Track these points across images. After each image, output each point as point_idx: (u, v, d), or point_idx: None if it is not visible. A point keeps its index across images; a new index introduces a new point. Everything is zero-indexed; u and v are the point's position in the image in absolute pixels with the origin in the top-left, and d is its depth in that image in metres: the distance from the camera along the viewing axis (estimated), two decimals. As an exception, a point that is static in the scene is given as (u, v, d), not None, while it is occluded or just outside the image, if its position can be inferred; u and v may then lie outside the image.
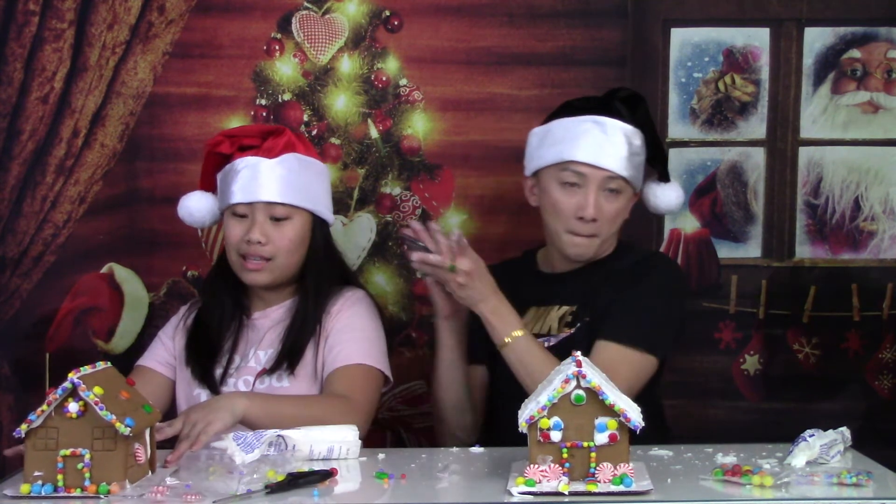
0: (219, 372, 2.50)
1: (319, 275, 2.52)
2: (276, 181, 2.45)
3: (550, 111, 2.57)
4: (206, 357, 2.51)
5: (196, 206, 2.56)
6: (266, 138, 2.49)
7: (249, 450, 2.17)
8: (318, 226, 2.53)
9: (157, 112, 2.94)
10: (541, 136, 2.55)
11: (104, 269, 2.96)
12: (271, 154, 2.46)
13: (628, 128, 2.48)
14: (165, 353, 2.59)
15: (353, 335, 2.47)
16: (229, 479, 1.99)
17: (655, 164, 2.56)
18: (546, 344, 2.47)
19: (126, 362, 2.92)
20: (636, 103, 2.52)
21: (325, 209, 2.55)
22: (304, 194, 2.49)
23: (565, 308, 2.53)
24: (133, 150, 2.95)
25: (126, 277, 2.96)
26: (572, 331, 2.50)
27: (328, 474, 1.99)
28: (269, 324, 2.54)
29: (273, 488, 1.90)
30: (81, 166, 2.94)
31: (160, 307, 2.95)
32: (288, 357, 2.46)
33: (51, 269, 2.95)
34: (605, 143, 2.45)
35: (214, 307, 2.56)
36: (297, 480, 1.93)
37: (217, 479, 2.01)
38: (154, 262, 2.96)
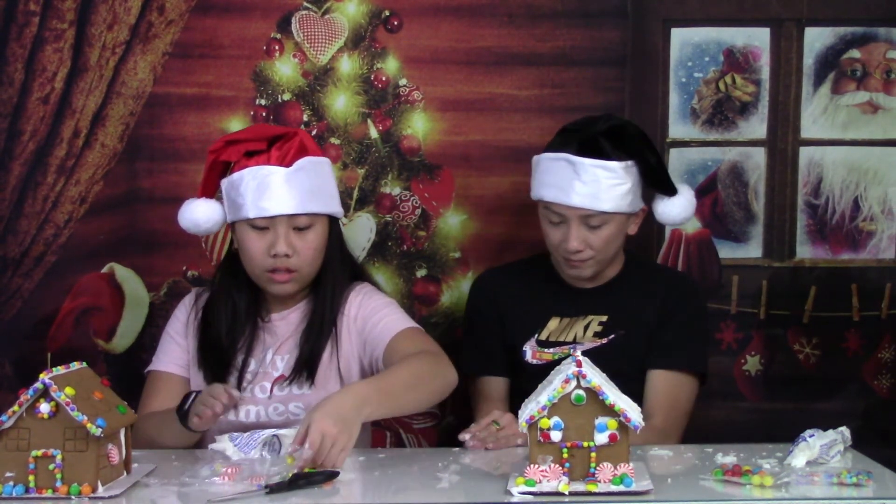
0: (234, 376, 2.44)
1: (335, 277, 2.48)
2: (295, 192, 2.37)
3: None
4: (219, 361, 2.45)
5: (204, 217, 2.46)
6: (273, 142, 2.42)
7: (247, 450, 2.18)
8: (334, 226, 2.49)
9: (157, 112, 2.94)
10: (535, 167, 2.56)
11: (105, 269, 2.96)
12: (285, 162, 2.38)
13: (608, 164, 2.45)
14: (182, 353, 2.51)
15: (384, 312, 2.43)
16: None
17: (655, 187, 2.55)
18: (572, 351, 2.48)
19: (126, 362, 2.94)
20: (620, 134, 2.48)
21: (337, 206, 2.50)
22: (322, 200, 2.43)
23: (591, 317, 2.57)
24: (133, 150, 2.94)
25: (126, 277, 2.96)
26: (604, 341, 2.54)
27: (331, 475, 1.99)
28: (286, 326, 2.49)
29: (273, 488, 1.90)
30: (82, 166, 2.94)
31: (160, 307, 2.95)
32: (307, 364, 2.42)
33: (52, 269, 2.95)
34: (578, 184, 2.44)
35: (226, 310, 2.48)
36: (297, 481, 1.94)
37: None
38: (154, 262, 2.95)
